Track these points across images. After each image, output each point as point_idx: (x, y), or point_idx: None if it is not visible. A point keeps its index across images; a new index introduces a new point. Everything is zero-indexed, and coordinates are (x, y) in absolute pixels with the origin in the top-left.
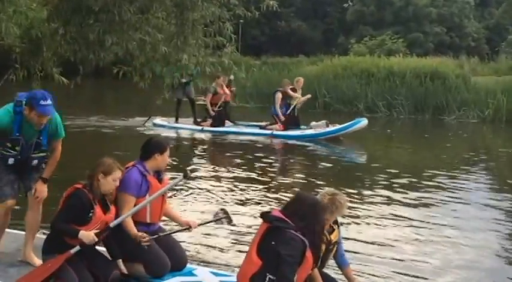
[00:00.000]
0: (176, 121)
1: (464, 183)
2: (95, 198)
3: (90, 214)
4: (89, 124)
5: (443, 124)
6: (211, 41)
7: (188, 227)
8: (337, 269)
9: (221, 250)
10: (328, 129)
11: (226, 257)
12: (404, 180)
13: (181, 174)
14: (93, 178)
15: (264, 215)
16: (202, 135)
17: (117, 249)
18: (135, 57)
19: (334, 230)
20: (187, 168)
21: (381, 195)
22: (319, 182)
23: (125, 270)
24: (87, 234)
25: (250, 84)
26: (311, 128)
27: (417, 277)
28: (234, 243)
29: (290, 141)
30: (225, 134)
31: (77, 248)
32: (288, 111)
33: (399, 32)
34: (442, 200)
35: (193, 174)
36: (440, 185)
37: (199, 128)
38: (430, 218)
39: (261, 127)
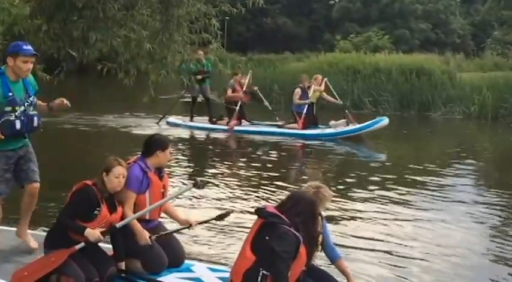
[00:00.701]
0: (191, 120)
1: (449, 180)
2: (103, 196)
3: (96, 212)
4: (70, 121)
5: (429, 120)
6: (196, 37)
7: (188, 226)
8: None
9: (220, 246)
10: (348, 128)
11: (225, 253)
12: (388, 176)
13: (191, 181)
14: (99, 176)
15: (258, 211)
16: (218, 135)
17: (123, 250)
18: (119, 54)
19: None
20: (199, 178)
21: (365, 192)
22: (336, 184)
23: (122, 266)
24: (93, 233)
25: None
26: (330, 127)
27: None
28: (233, 239)
29: (309, 141)
30: (241, 133)
31: (82, 244)
32: (305, 109)
33: (385, 29)
34: (426, 196)
35: (206, 174)
36: (425, 181)
37: (224, 127)
38: (413, 215)
39: (279, 126)
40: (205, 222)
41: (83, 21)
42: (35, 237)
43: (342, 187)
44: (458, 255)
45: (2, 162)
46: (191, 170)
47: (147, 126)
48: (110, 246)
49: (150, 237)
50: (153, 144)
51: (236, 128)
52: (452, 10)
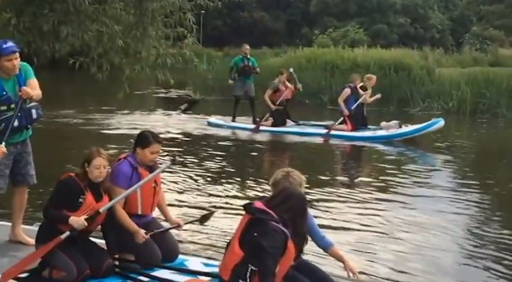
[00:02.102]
0: (233, 120)
1: (427, 176)
2: (86, 185)
3: (80, 200)
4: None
5: (408, 116)
6: (171, 32)
7: (177, 226)
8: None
9: (215, 241)
10: (402, 131)
11: (219, 247)
12: (363, 174)
13: (171, 158)
14: (82, 166)
15: (246, 207)
16: (261, 136)
17: (115, 245)
18: (92, 49)
19: None
20: (177, 156)
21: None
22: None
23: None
24: (77, 219)
25: (212, 76)
26: (381, 129)
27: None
28: (228, 234)
29: (358, 143)
30: (286, 134)
31: (67, 233)
32: (352, 108)
33: (363, 23)
34: (403, 194)
35: (250, 177)
36: (403, 179)
37: (269, 128)
38: (389, 212)
39: (327, 127)
40: (191, 222)
41: (53, 15)
42: (30, 233)
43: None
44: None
45: (3, 157)
46: (229, 174)
47: (119, 123)
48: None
49: (146, 233)
50: (136, 140)
51: (280, 129)
52: (431, 5)
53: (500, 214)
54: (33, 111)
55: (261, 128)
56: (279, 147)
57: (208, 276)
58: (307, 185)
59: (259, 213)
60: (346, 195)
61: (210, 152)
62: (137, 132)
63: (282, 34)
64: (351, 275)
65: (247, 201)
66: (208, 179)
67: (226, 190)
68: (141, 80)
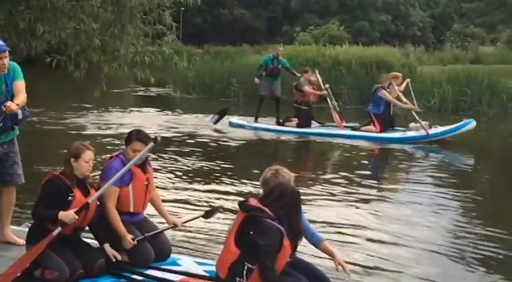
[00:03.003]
0: (256, 120)
1: (408, 175)
2: (73, 182)
3: (70, 197)
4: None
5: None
6: (150, 29)
7: (173, 226)
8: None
9: (207, 240)
10: (433, 132)
11: (212, 246)
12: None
13: (153, 137)
14: (66, 163)
15: (241, 205)
16: (286, 137)
17: (103, 235)
18: (69, 46)
19: None
20: (158, 136)
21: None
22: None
23: (116, 255)
24: (67, 213)
25: (192, 74)
26: (410, 130)
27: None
28: (221, 233)
29: (386, 145)
30: (312, 135)
31: (59, 229)
32: (381, 110)
33: (345, 21)
34: (383, 192)
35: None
36: (383, 177)
37: (293, 129)
38: (371, 212)
39: (354, 128)
40: (192, 220)
41: (29, 12)
42: (19, 233)
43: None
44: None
45: None
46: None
47: (93, 122)
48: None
49: (133, 239)
50: (126, 138)
51: (305, 130)
52: (412, 2)
53: (485, 209)
54: (19, 111)
55: (286, 128)
56: (303, 148)
57: (203, 278)
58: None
59: (254, 211)
60: (366, 195)
61: (223, 152)
62: (112, 132)
63: (262, 31)
64: (340, 269)
65: (242, 199)
66: (223, 178)
67: (235, 190)
68: (119, 78)
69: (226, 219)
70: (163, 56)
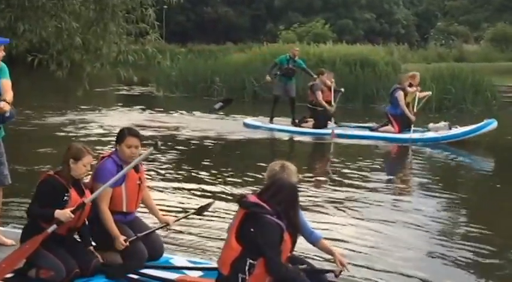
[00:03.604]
0: (271, 121)
1: (424, 177)
2: (68, 182)
3: (66, 197)
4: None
5: (374, 112)
6: (133, 28)
7: (165, 225)
8: None
9: (198, 239)
10: (453, 132)
11: (203, 245)
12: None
13: (153, 142)
14: (64, 163)
15: (240, 201)
16: (302, 138)
17: (89, 238)
18: (51, 45)
19: None
20: (159, 142)
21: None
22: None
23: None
24: (63, 212)
25: (175, 73)
26: (429, 131)
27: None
28: (210, 231)
29: (405, 145)
30: (328, 136)
31: (54, 226)
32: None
33: (329, 19)
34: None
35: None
36: (399, 179)
37: (309, 130)
38: (349, 211)
39: (371, 129)
40: (184, 217)
41: (10, 11)
42: (6, 234)
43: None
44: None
45: None
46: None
47: (75, 121)
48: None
49: (125, 240)
50: (116, 137)
51: (321, 130)
52: (396, 0)
53: (470, 209)
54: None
55: (302, 129)
56: (318, 149)
57: (198, 270)
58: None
59: (254, 207)
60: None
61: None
62: (94, 131)
63: (246, 30)
64: (340, 267)
65: (241, 196)
66: (229, 179)
67: (226, 190)
68: (102, 77)
69: (218, 217)
70: (147, 55)
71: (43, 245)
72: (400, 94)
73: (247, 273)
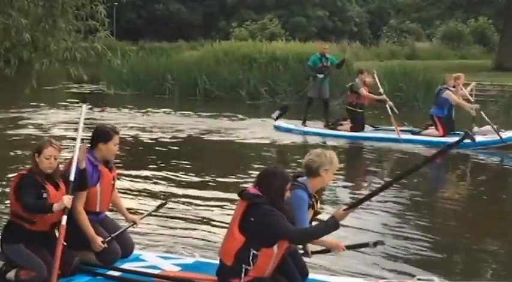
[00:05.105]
0: (303, 124)
1: (474, 186)
2: (43, 178)
3: (45, 194)
4: None
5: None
6: (82, 25)
7: (133, 224)
8: None
9: (167, 235)
10: (507, 136)
11: (161, 240)
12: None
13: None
14: (32, 159)
15: (240, 194)
16: (337, 142)
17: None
18: None
19: (317, 199)
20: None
21: None
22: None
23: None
24: (59, 204)
25: (126, 70)
26: (475, 134)
27: None
28: (168, 227)
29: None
30: (367, 140)
31: (65, 217)
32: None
33: (281, 16)
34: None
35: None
36: (442, 187)
37: (345, 133)
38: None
39: (414, 133)
40: (148, 215)
41: None
42: None
43: None
44: None
45: None
46: None
47: (25, 120)
48: None
49: (103, 241)
50: (95, 136)
51: (359, 134)
52: None
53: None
54: None
55: (339, 133)
56: (355, 154)
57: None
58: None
59: (255, 198)
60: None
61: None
62: (31, 130)
63: (198, 27)
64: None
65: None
66: None
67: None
68: (51, 74)
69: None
70: (96, 52)
71: (25, 243)
72: (448, 93)
73: (251, 263)
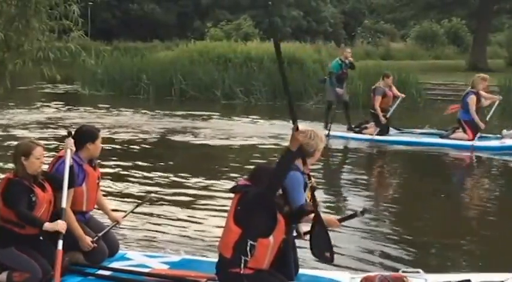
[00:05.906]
0: (325, 128)
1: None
2: (30, 182)
3: (34, 198)
4: None
5: (302, 110)
6: (56, 24)
7: (116, 223)
8: None
9: (153, 233)
10: None
11: (158, 239)
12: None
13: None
14: (17, 164)
15: (232, 189)
16: (363, 145)
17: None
18: None
19: (310, 176)
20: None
21: None
22: None
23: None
24: (52, 225)
25: (100, 70)
26: (504, 137)
27: None
28: (151, 225)
29: (481, 154)
30: (392, 144)
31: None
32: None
33: (256, 16)
34: None
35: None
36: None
37: (369, 137)
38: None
39: (442, 136)
40: (130, 213)
41: None
42: None
43: None
44: None
45: None
46: None
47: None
48: None
49: (92, 241)
50: (82, 136)
51: (385, 138)
52: None
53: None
54: None
55: (363, 137)
56: (383, 157)
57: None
58: None
59: (246, 188)
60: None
61: None
62: (19, 131)
63: (173, 27)
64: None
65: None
66: None
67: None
68: (25, 75)
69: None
70: (70, 52)
71: (16, 246)
72: (471, 99)
73: (249, 253)
